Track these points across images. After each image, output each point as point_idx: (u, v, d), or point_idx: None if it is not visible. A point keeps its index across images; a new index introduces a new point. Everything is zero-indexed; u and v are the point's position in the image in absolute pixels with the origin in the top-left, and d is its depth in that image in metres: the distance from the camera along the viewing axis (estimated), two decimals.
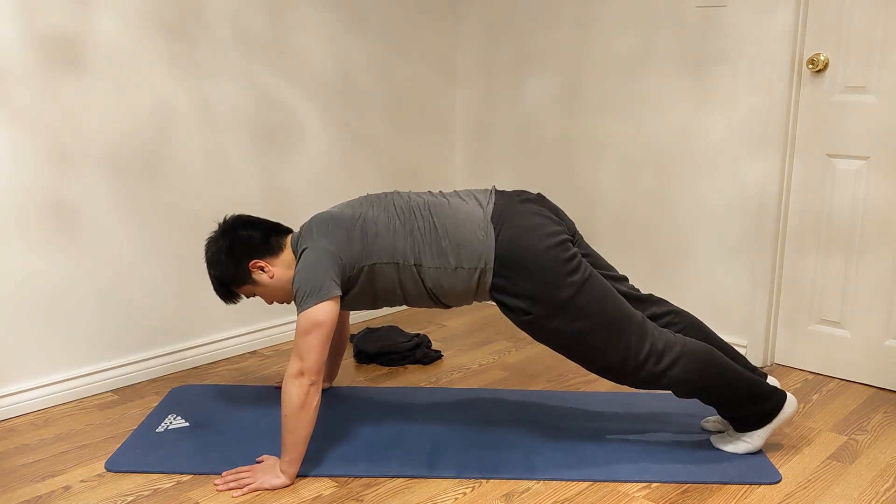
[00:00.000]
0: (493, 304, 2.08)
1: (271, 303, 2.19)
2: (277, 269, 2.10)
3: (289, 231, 2.18)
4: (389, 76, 3.31)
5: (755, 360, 2.82)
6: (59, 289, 2.45)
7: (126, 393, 2.58)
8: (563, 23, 3.19)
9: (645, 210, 3.06)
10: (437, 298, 2.07)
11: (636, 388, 2.07)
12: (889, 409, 2.48)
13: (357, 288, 2.05)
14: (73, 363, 2.52)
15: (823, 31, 2.59)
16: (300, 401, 1.90)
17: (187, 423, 2.31)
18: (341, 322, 2.49)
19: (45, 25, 2.32)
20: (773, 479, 2.02)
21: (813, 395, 2.59)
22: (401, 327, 3.09)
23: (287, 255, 2.11)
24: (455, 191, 2.15)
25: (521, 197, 2.10)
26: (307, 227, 2.08)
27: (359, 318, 3.33)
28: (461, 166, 3.66)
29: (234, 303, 2.20)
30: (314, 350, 1.91)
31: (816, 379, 2.73)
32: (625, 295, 2.14)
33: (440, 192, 2.15)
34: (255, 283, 2.12)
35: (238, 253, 2.09)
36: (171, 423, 2.32)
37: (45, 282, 2.42)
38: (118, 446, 2.19)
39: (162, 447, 2.17)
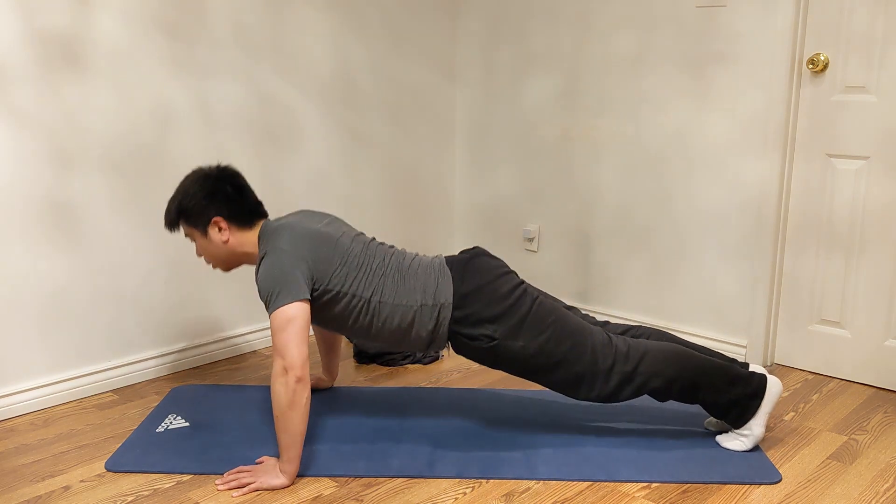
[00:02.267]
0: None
1: (200, 255, 2.19)
2: (234, 238, 2.13)
3: (265, 216, 2.19)
4: (389, 76, 3.31)
5: (755, 360, 2.82)
6: (58, 288, 2.45)
7: (126, 393, 2.58)
8: (562, 23, 3.19)
9: (644, 210, 3.06)
10: (392, 334, 2.11)
11: (614, 399, 2.10)
12: (889, 409, 2.48)
13: (315, 305, 2.06)
14: (72, 363, 2.52)
15: (823, 31, 2.59)
16: (288, 399, 1.90)
17: (187, 423, 2.31)
18: None
19: (45, 25, 2.32)
20: (773, 479, 2.02)
21: (813, 395, 2.59)
22: None
23: (251, 236, 2.14)
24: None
25: (467, 252, 2.22)
26: (285, 227, 2.07)
27: None
28: (461, 166, 3.66)
29: (171, 231, 2.18)
30: (293, 345, 1.91)
31: (816, 379, 2.73)
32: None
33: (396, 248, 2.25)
34: (204, 234, 2.13)
35: (213, 202, 2.10)
36: (171, 423, 2.32)
37: (45, 282, 2.42)
38: (118, 446, 2.19)
39: (162, 447, 2.17)
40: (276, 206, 2.97)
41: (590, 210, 3.23)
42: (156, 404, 2.47)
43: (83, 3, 2.39)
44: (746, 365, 2.22)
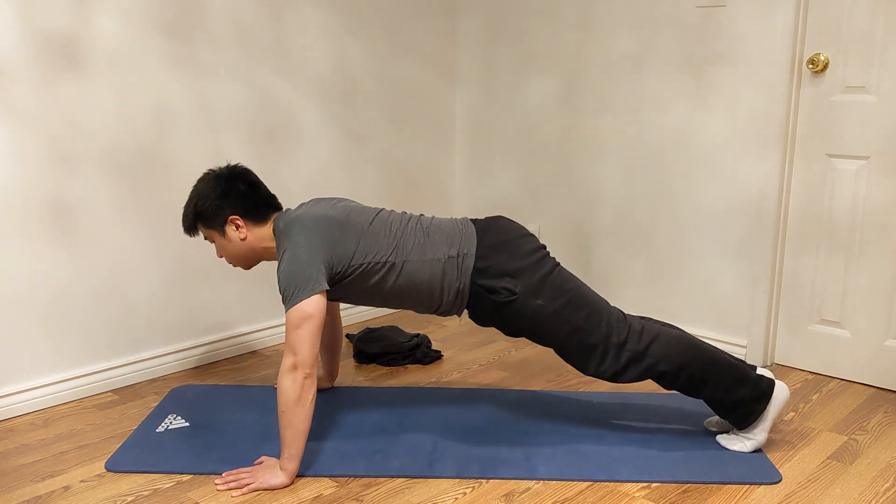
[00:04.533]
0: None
1: (221, 257, 2.22)
2: (252, 235, 2.15)
3: (279, 209, 2.21)
4: (389, 76, 3.31)
5: (755, 360, 2.82)
6: (59, 288, 2.45)
7: (126, 393, 2.58)
8: (563, 23, 3.19)
9: (645, 210, 3.06)
10: (422, 293, 2.11)
11: (619, 377, 2.09)
12: (889, 409, 2.48)
13: (342, 284, 2.09)
14: (73, 363, 2.52)
15: (823, 31, 2.59)
16: (296, 395, 1.91)
17: (187, 423, 2.31)
18: (333, 320, 2.50)
19: (45, 25, 2.32)
20: (773, 479, 2.02)
21: (813, 395, 2.59)
22: (401, 327, 3.09)
23: (266, 230, 2.16)
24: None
25: (490, 217, 2.25)
26: (295, 221, 2.09)
27: (359, 319, 3.33)
28: (461, 166, 3.66)
29: (191, 236, 2.21)
30: (306, 343, 1.92)
31: (816, 379, 2.73)
32: None
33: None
34: (223, 234, 2.15)
35: (227, 201, 2.12)
36: (171, 423, 2.32)
37: (46, 282, 2.42)
38: (118, 446, 2.19)
39: (162, 447, 2.17)
40: None
41: (590, 210, 3.23)
42: (156, 404, 2.47)
43: (83, 3, 2.39)
44: (755, 368, 2.22)
